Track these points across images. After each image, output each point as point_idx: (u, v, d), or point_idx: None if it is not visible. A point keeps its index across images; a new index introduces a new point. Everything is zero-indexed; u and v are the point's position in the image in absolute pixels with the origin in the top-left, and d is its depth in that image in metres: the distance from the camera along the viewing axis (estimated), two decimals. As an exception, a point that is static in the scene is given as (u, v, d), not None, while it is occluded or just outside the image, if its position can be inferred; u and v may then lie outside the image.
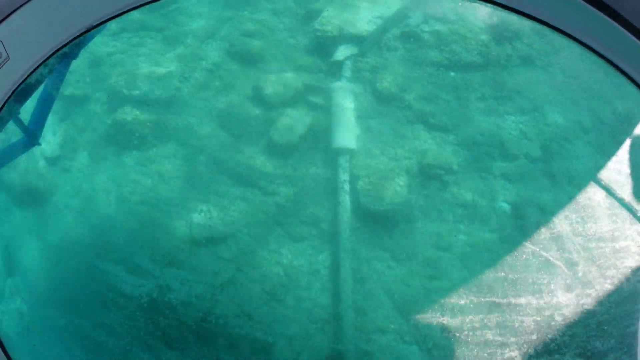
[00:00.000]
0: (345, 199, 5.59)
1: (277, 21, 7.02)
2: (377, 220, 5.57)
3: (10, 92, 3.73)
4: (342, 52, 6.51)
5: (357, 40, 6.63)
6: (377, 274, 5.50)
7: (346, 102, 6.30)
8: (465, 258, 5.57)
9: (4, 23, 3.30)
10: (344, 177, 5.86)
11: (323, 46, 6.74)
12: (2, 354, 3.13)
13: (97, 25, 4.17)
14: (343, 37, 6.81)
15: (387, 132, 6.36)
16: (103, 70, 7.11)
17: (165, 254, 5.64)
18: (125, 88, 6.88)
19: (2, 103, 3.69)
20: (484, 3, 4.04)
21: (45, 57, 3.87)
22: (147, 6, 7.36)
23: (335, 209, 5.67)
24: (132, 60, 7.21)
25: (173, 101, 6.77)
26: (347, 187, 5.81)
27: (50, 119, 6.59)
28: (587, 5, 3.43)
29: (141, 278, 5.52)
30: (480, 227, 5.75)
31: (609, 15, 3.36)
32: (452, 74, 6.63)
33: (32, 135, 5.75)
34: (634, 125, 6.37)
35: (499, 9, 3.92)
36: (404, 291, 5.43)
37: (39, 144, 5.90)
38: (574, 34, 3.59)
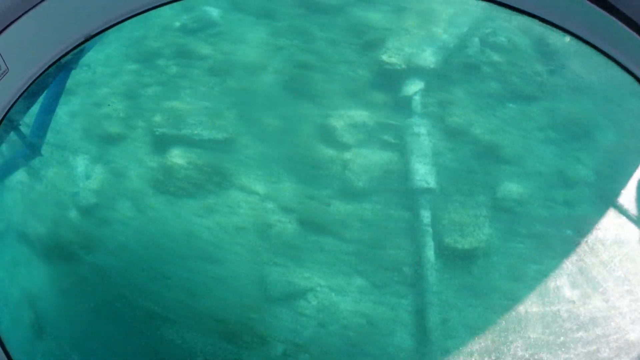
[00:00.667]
0: (428, 240, 5.59)
1: (335, 52, 6.93)
2: (458, 259, 5.59)
3: (11, 103, 3.73)
4: (410, 86, 6.51)
5: (422, 72, 6.60)
6: (458, 312, 5.50)
7: (420, 139, 6.35)
8: (537, 285, 5.65)
9: (3, 35, 3.29)
10: (425, 217, 5.86)
11: (388, 79, 6.72)
12: (3, 354, 3.13)
13: (96, 34, 4.17)
14: (409, 70, 6.81)
15: (460, 168, 6.38)
16: (140, 104, 6.95)
17: (239, 316, 5.38)
18: (170, 126, 6.69)
19: (3, 115, 3.69)
20: (489, 3, 4.03)
21: (45, 68, 3.87)
22: (185, 30, 7.32)
23: (417, 251, 5.65)
24: (174, 93, 7.03)
25: (230, 142, 6.55)
26: (428, 227, 5.82)
27: (82, 160, 6.49)
28: (592, 5, 3.41)
29: (206, 337, 5.33)
30: (550, 253, 5.82)
31: (613, 14, 3.35)
32: (511, 105, 6.74)
33: (33, 147, 5.73)
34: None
35: (504, 9, 3.91)
36: (484, 325, 5.47)
37: (41, 155, 5.88)
38: (580, 34, 3.58)
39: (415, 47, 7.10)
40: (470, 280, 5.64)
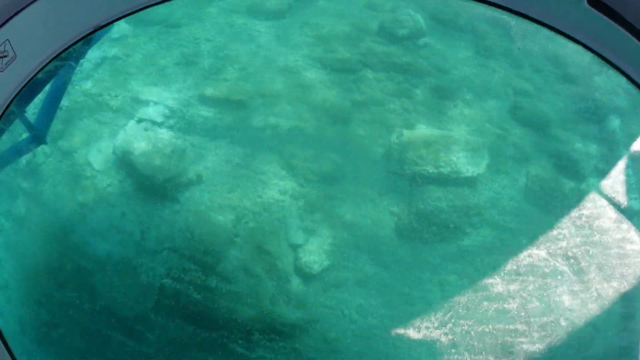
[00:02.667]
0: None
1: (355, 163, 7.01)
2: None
3: (17, 90, 3.73)
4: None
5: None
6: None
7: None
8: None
9: (11, 21, 3.30)
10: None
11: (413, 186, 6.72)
12: (6, 352, 3.13)
13: (106, 24, 4.17)
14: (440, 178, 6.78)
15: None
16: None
17: None
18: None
19: (9, 102, 3.70)
20: (492, 7, 4.03)
21: (53, 56, 3.87)
22: (388, 37, 7.18)
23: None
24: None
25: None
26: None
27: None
28: (590, 8, 3.41)
29: None
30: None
31: (611, 17, 3.35)
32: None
33: (38, 135, 5.75)
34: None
35: (504, 12, 3.91)
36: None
37: (45, 144, 5.90)
38: (578, 37, 3.57)
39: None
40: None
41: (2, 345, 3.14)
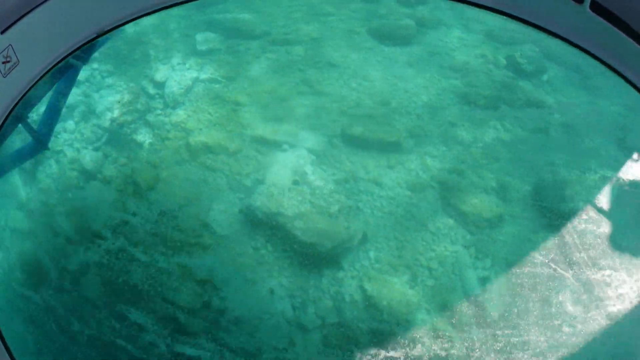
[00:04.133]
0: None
1: None
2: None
3: (20, 96, 3.75)
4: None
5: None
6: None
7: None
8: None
9: (14, 27, 3.32)
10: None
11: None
12: (5, 352, 3.12)
13: (108, 31, 4.19)
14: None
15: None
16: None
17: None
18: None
19: (12, 107, 3.71)
20: (497, 14, 4.04)
21: (55, 62, 3.89)
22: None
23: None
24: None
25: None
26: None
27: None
28: (593, 14, 3.41)
29: None
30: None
31: (613, 23, 3.35)
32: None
33: (40, 140, 5.77)
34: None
35: (507, 19, 3.92)
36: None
37: (48, 149, 5.90)
38: (579, 43, 3.57)
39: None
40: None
41: (1, 345, 3.13)
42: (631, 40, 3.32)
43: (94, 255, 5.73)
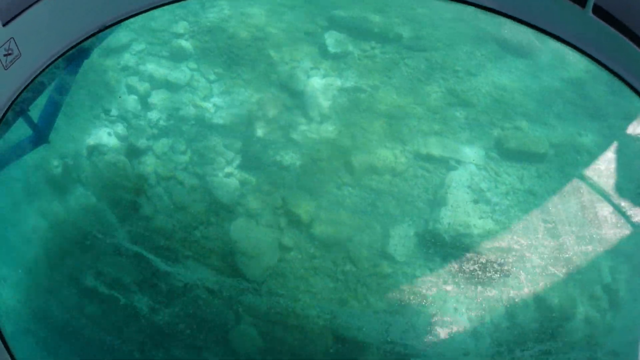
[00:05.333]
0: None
1: None
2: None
3: (21, 89, 3.75)
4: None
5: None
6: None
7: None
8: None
9: (16, 20, 3.32)
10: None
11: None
12: (6, 352, 3.13)
13: (111, 25, 4.20)
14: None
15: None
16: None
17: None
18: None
19: (13, 100, 3.72)
20: (499, 16, 4.04)
21: (57, 56, 3.90)
22: None
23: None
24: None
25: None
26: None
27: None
28: (595, 17, 3.42)
29: None
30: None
31: (615, 27, 3.35)
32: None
33: (41, 134, 5.76)
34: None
35: (504, 18, 3.92)
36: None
37: (48, 143, 5.90)
38: (581, 47, 3.58)
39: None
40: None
41: (1, 345, 3.14)
42: (633, 44, 3.32)
43: (261, 302, 5.13)
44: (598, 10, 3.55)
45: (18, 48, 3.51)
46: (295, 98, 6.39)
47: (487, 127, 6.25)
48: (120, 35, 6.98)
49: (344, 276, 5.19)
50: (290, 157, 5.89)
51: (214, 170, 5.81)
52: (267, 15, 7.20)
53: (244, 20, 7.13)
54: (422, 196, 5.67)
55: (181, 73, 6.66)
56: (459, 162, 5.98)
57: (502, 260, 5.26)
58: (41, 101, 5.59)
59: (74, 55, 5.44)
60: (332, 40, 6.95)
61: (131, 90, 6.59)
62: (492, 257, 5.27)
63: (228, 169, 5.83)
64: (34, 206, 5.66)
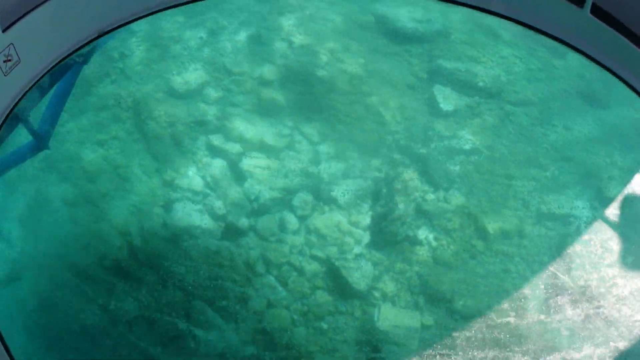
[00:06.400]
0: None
1: None
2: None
3: (20, 95, 3.75)
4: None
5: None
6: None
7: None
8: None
9: (16, 25, 3.32)
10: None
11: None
12: (5, 353, 3.12)
13: (109, 31, 4.20)
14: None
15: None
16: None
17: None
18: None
19: (12, 106, 3.72)
20: (497, 17, 4.06)
21: (56, 62, 3.90)
22: None
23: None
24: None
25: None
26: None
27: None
28: (593, 17, 3.43)
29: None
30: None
31: (613, 26, 3.36)
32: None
33: (41, 139, 5.77)
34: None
35: (507, 21, 3.93)
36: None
37: (48, 149, 5.90)
38: (579, 46, 3.59)
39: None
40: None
41: (0, 345, 3.13)
42: (631, 43, 3.33)
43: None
44: (596, 10, 3.56)
45: (17, 54, 3.51)
46: (416, 161, 6.09)
47: (597, 181, 6.15)
48: (188, 75, 6.23)
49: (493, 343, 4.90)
50: (422, 232, 5.59)
51: (339, 252, 5.26)
52: (364, 65, 6.69)
53: (337, 65, 6.51)
54: (543, 257, 5.49)
55: (277, 132, 5.98)
56: (578, 218, 5.79)
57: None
58: (41, 107, 5.59)
59: (74, 60, 5.45)
60: (441, 95, 6.64)
61: (215, 152, 5.78)
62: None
63: (357, 249, 5.33)
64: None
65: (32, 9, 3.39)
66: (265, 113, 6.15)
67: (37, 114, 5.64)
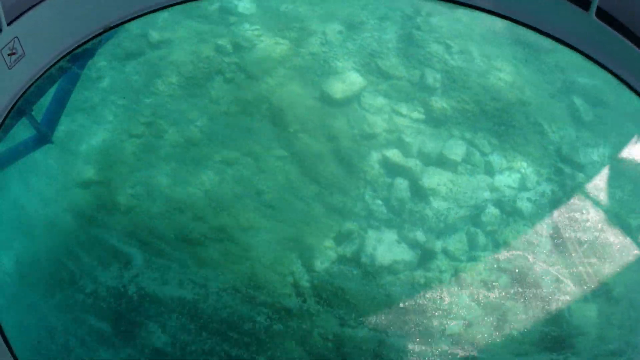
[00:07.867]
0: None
1: None
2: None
3: (25, 88, 3.76)
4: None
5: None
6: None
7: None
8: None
9: (21, 19, 3.33)
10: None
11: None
12: (7, 351, 3.13)
13: (115, 26, 4.20)
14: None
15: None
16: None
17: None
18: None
19: (16, 100, 3.72)
20: (502, 19, 4.05)
21: (61, 56, 3.90)
22: None
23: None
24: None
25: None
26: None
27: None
28: (598, 21, 3.42)
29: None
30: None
31: (618, 30, 3.36)
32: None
33: (44, 134, 5.77)
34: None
35: (506, 21, 3.93)
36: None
37: (51, 143, 5.90)
38: (584, 49, 3.58)
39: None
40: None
41: (3, 344, 3.14)
42: (636, 47, 3.32)
43: None
44: (601, 14, 3.55)
45: (22, 47, 3.52)
46: (579, 171, 5.75)
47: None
48: (336, 81, 5.82)
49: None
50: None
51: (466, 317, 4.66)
52: (516, 74, 6.35)
53: (496, 74, 6.23)
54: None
55: (452, 143, 5.68)
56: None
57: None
58: (45, 101, 5.60)
59: (79, 55, 5.46)
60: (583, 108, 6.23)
61: (391, 171, 5.40)
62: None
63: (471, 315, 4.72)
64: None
65: (38, 3, 3.40)
66: (431, 122, 5.88)
67: (41, 107, 5.64)
